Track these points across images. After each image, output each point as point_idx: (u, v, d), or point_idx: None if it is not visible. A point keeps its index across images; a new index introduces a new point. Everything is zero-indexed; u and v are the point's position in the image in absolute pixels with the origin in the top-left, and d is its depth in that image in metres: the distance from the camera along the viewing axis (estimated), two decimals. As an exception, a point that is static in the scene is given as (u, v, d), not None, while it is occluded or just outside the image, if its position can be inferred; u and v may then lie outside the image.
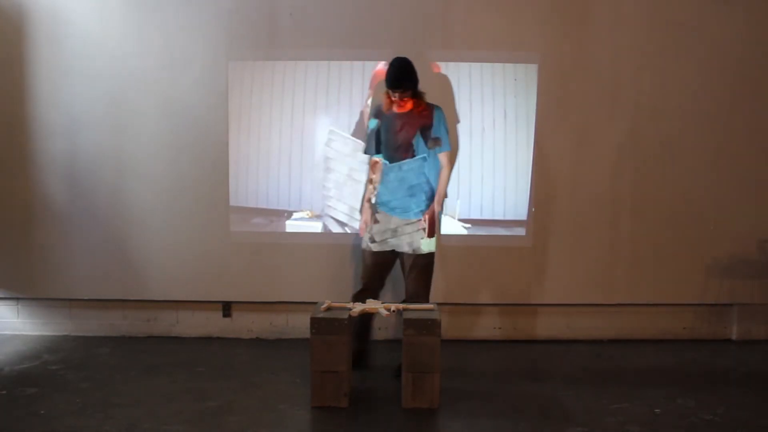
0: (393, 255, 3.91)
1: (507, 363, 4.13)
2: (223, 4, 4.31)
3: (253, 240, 4.43)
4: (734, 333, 4.62)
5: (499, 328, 4.59)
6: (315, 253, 4.39)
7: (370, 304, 3.61)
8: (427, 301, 3.83)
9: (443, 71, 4.32)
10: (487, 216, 4.42)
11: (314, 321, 3.40)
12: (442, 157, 3.86)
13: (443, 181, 3.90)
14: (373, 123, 3.90)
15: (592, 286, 4.49)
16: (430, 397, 3.39)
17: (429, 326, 3.37)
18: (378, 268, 3.92)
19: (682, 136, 4.42)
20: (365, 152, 4.05)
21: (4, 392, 3.55)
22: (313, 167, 4.38)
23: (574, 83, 4.37)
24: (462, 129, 4.35)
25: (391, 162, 3.84)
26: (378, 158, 3.92)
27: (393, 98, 3.74)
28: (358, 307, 3.57)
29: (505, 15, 4.33)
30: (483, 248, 4.42)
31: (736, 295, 4.53)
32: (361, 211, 4.18)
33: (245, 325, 4.60)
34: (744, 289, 4.52)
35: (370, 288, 3.91)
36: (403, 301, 3.85)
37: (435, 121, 3.80)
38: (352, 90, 4.33)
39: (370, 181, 4.01)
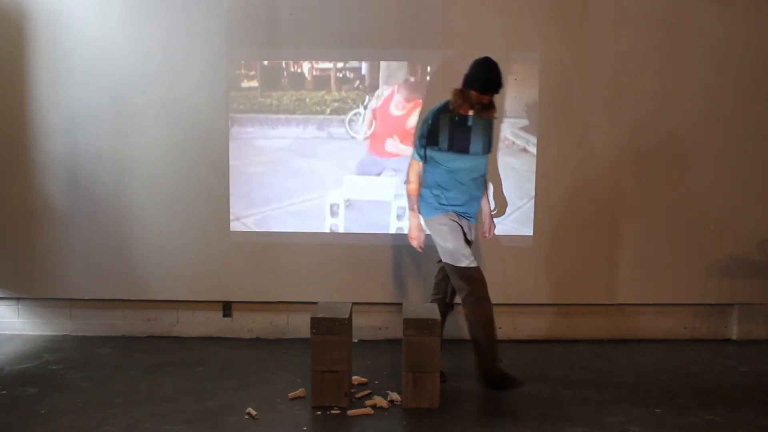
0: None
1: (507, 363, 4.12)
2: (223, 4, 4.31)
3: (253, 240, 4.43)
4: (734, 333, 4.62)
5: (499, 328, 4.56)
6: (315, 253, 4.39)
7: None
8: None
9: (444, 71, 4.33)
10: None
11: (314, 321, 3.40)
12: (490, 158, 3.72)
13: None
14: (433, 123, 3.52)
15: (592, 286, 4.49)
16: (431, 397, 3.40)
17: (429, 326, 3.37)
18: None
19: (682, 136, 4.42)
20: (421, 153, 3.58)
21: (4, 392, 3.55)
22: (313, 167, 4.39)
23: (574, 83, 4.37)
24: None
25: (457, 164, 3.56)
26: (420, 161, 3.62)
27: (482, 100, 3.46)
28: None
29: (505, 15, 4.33)
30: (483, 248, 4.42)
31: (736, 295, 4.53)
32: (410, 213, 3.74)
33: (245, 325, 4.60)
34: (744, 289, 4.53)
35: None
36: (449, 302, 3.84)
37: (492, 125, 3.65)
38: (352, 89, 4.34)
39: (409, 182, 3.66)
